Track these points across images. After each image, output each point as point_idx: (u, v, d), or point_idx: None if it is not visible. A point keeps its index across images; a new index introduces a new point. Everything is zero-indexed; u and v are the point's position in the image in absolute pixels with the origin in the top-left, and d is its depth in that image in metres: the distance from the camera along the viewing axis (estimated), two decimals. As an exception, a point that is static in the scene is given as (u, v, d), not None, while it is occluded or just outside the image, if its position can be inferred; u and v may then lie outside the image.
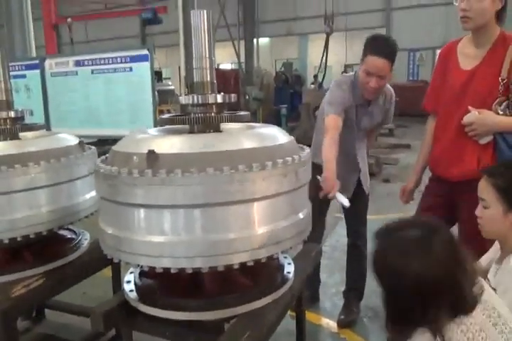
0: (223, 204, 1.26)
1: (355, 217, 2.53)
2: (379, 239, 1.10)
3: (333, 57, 11.56)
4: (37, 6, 8.33)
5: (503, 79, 1.72)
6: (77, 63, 5.99)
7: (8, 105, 1.88)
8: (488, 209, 1.40)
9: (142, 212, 1.29)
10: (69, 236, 2.06)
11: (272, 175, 1.32)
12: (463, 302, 1.01)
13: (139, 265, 1.35)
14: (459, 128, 1.82)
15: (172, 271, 1.29)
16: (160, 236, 1.28)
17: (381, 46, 2.09)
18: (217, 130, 1.55)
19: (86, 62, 5.97)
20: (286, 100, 10.70)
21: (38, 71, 6.00)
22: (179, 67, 8.28)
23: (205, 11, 1.53)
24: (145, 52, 5.64)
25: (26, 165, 1.65)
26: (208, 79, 1.56)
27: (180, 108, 1.68)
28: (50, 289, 1.77)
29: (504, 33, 1.80)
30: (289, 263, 1.68)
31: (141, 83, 5.51)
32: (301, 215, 1.46)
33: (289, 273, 1.61)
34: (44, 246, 1.89)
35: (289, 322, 2.27)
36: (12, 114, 1.85)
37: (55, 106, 5.87)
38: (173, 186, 1.24)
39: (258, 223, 1.32)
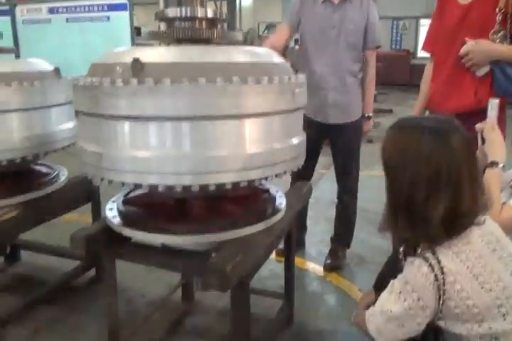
0: (215, 118, 1.17)
1: (342, 168, 2.39)
2: (393, 127, 1.04)
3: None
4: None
5: (500, 9, 1.68)
6: (51, 10, 5.62)
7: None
8: None
9: (126, 124, 1.18)
10: (45, 170, 1.95)
11: (268, 90, 1.22)
12: (458, 212, 0.95)
13: (123, 184, 1.25)
14: (456, 63, 1.78)
15: (160, 189, 1.19)
16: (146, 151, 1.18)
17: None
18: (208, 47, 1.43)
19: (60, 10, 5.62)
20: (270, 63, 10.50)
21: (8, 18, 5.59)
22: (159, 27, 7.85)
23: None
24: (124, 0, 5.34)
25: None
26: (198, -9, 1.42)
27: (166, 24, 1.53)
28: (24, 221, 1.67)
29: None
30: (281, 196, 1.61)
31: (119, 34, 5.24)
32: (295, 140, 1.38)
33: (281, 204, 1.55)
34: (19, 179, 1.80)
35: (275, 266, 2.26)
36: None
37: (26, 56, 5.54)
38: (161, 96, 1.13)
39: (251, 142, 1.23)
